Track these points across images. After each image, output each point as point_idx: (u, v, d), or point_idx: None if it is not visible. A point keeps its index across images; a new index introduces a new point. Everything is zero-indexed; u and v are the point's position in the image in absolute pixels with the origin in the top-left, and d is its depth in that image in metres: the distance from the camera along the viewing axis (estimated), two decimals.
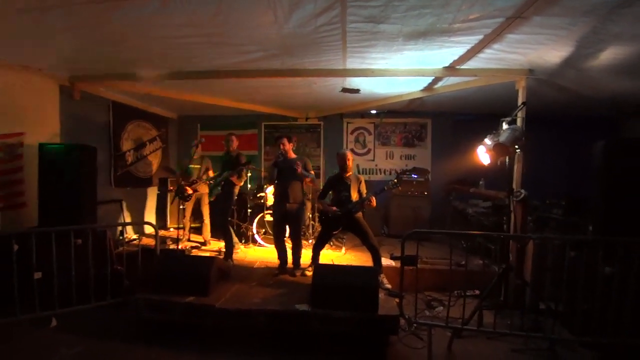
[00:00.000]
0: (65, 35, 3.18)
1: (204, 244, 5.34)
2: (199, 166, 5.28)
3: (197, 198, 5.28)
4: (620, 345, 2.62)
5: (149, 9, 2.68)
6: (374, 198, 3.77)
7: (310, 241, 5.10)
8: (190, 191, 5.05)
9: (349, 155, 3.94)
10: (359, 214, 3.91)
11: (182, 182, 5.06)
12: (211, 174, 5.24)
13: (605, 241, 2.76)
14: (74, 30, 3.07)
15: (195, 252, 5.00)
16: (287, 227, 4.23)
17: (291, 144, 4.12)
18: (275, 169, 4.06)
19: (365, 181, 4.10)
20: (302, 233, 4.27)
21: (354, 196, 3.86)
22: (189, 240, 5.43)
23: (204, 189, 5.23)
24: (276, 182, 4.14)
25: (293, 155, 4.14)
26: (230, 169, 4.42)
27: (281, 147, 4.04)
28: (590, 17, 2.63)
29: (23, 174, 3.99)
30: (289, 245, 4.21)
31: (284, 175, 4.03)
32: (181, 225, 5.15)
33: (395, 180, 3.86)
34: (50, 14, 2.75)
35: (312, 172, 4.12)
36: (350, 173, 3.97)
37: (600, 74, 3.84)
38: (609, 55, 3.32)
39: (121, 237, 4.91)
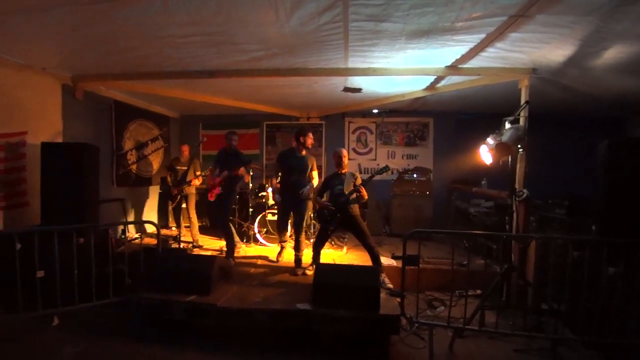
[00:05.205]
0: (68, 34, 3.18)
1: (193, 244, 5.21)
2: (185, 168, 5.25)
3: (183, 198, 5.26)
4: (624, 346, 2.60)
5: (151, 9, 2.68)
6: (363, 188, 3.80)
7: (311, 240, 5.09)
8: (175, 191, 5.08)
9: (344, 152, 4.03)
10: (356, 212, 3.90)
11: (169, 184, 5.08)
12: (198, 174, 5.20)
13: (608, 241, 2.74)
14: (77, 29, 3.07)
15: (196, 251, 5.00)
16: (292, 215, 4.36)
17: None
18: (280, 166, 4.21)
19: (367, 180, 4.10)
20: (304, 225, 4.30)
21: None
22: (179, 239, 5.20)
23: (190, 190, 5.25)
24: (284, 175, 4.26)
25: (304, 153, 4.21)
26: (230, 167, 4.38)
27: (308, 140, 4.15)
28: (593, 15, 2.61)
29: (26, 173, 4.01)
30: (290, 244, 4.22)
31: (293, 170, 4.14)
32: (173, 226, 5.07)
33: (383, 166, 3.92)
34: (53, 13, 2.75)
35: (316, 170, 4.28)
36: (346, 170, 4.03)
37: (604, 72, 3.82)
38: (612, 54, 3.30)
39: (123, 236, 4.92)
